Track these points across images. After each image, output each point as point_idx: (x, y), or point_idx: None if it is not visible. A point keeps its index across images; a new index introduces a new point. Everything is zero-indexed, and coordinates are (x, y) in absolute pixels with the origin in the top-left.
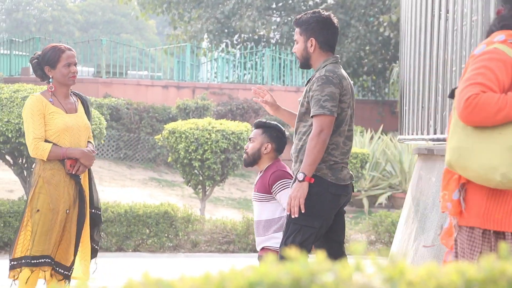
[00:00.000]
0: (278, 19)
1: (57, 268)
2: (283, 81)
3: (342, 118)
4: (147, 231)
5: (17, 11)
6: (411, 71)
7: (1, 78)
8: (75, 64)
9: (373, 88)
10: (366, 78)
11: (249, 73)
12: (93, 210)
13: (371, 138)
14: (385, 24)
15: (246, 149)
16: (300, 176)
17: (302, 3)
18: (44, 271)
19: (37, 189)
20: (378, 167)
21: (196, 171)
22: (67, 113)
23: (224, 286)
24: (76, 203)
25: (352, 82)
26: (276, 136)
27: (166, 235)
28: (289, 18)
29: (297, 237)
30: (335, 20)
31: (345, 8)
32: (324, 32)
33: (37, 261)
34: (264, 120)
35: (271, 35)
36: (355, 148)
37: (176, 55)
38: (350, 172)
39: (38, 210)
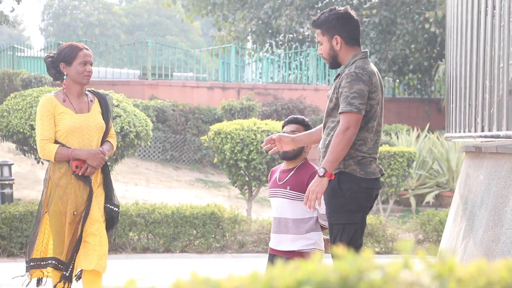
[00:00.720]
0: None
1: (59, 265)
2: (328, 80)
3: (371, 115)
4: (194, 232)
5: (64, 15)
6: (458, 68)
7: (49, 82)
8: (91, 64)
9: (419, 86)
10: (412, 76)
11: (294, 73)
12: (108, 205)
13: (418, 136)
14: (431, 20)
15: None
16: (321, 172)
17: (345, 1)
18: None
19: (48, 191)
20: (425, 165)
21: (242, 171)
22: (77, 113)
23: (272, 285)
24: (86, 205)
25: (380, 76)
26: None
27: (213, 236)
28: None
29: (344, 237)
30: (354, 13)
31: (390, 5)
32: (346, 27)
33: (46, 262)
34: (299, 116)
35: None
36: (402, 147)
37: (221, 56)
38: (379, 166)
39: (46, 212)
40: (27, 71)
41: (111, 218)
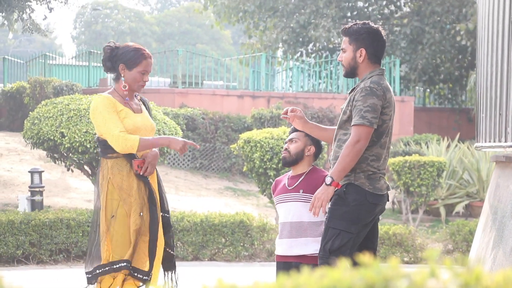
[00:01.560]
0: None
1: (135, 273)
2: None
3: (383, 130)
4: (223, 240)
5: (96, 23)
6: (488, 78)
7: (80, 89)
8: (148, 74)
9: (449, 96)
10: (442, 86)
11: (324, 82)
12: (163, 214)
13: (448, 146)
14: (462, 32)
15: (287, 148)
16: (328, 180)
17: (377, 12)
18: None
19: (109, 194)
20: (455, 175)
21: (271, 180)
22: (134, 113)
23: None
24: (147, 206)
25: (393, 95)
26: (317, 141)
27: (241, 244)
28: None
29: (336, 242)
30: (384, 33)
31: (421, 15)
32: (374, 44)
33: (118, 265)
34: None
35: None
36: (432, 157)
37: (251, 65)
38: (387, 182)
39: (113, 216)
40: (59, 78)
41: (165, 225)
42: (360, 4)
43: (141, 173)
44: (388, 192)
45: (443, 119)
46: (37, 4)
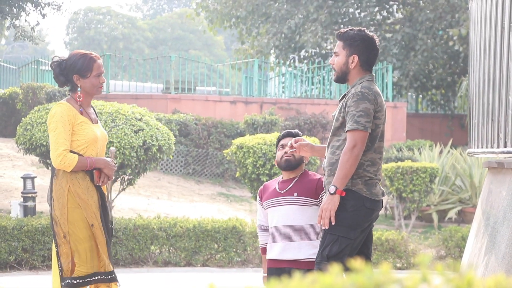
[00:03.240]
0: None
1: (103, 277)
2: None
3: (376, 134)
4: (216, 246)
5: (89, 29)
6: (481, 84)
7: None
8: (103, 74)
9: (442, 102)
10: (435, 92)
11: (316, 88)
12: (109, 225)
13: (440, 152)
14: (454, 38)
15: (290, 153)
16: (332, 189)
17: (368, 18)
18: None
19: (69, 204)
20: (448, 181)
21: None
22: (93, 123)
23: None
24: (99, 215)
25: (384, 99)
26: None
27: (234, 250)
28: None
29: (334, 248)
30: (378, 42)
31: (413, 21)
32: (367, 52)
33: (91, 279)
34: (293, 130)
35: None
36: (424, 163)
37: (244, 71)
38: (382, 188)
39: (92, 225)
40: (51, 84)
41: (110, 234)
42: (351, 10)
43: (99, 184)
44: (383, 198)
45: (436, 125)
46: (30, 9)
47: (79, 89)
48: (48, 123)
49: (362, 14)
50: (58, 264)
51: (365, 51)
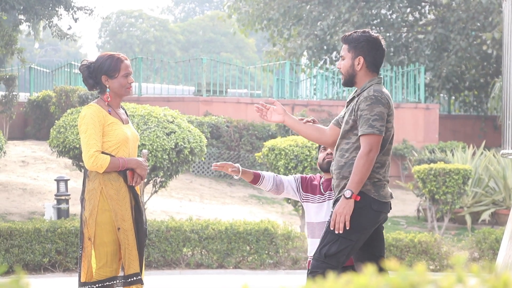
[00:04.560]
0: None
1: (128, 280)
2: None
3: (387, 137)
4: (248, 248)
5: (121, 32)
6: None
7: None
8: (131, 74)
9: (475, 103)
10: (467, 93)
11: (348, 90)
12: (144, 226)
13: (473, 153)
14: (488, 42)
15: (327, 156)
16: (348, 194)
17: (400, 19)
18: None
19: (100, 205)
20: (481, 183)
21: None
22: (123, 124)
23: None
24: (134, 216)
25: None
26: None
27: (266, 252)
28: (388, 34)
29: (333, 247)
30: (384, 42)
31: (445, 22)
32: (373, 52)
33: (109, 283)
34: None
35: None
36: (457, 164)
37: (275, 73)
38: (390, 190)
39: (119, 229)
40: (84, 87)
41: (144, 235)
42: (383, 11)
43: (132, 184)
44: (391, 200)
45: (468, 126)
46: (62, 14)
47: (108, 90)
48: (79, 125)
49: (394, 15)
50: (78, 267)
51: (370, 52)
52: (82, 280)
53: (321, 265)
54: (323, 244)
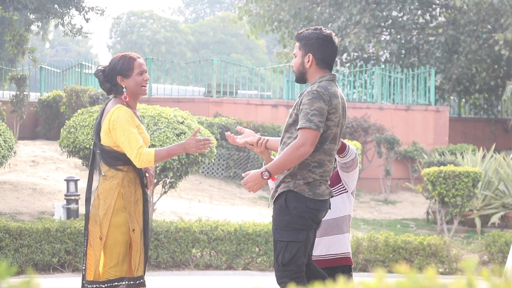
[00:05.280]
0: (388, 37)
1: (131, 282)
2: (393, 99)
3: (326, 136)
4: (257, 249)
5: (131, 32)
6: None
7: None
8: (146, 72)
9: (485, 105)
10: (478, 96)
11: (358, 91)
12: (150, 228)
13: (483, 156)
14: (500, 42)
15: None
16: (266, 175)
17: (411, 21)
18: None
19: (116, 206)
20: (491, 186)
21: None
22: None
23: None
24: (142, 218)
25: (344, 100)
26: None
27: None
28: (399, 36)
29: (286, 254)
30: (336, 39)
31: (456, 25)
32: (322, 49)
33: (118, 283)
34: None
35: (381, 53)
36: (467, 167)
37: (286, 74)
38: (329, 188)
39: (133, 230)
40: (95, 87)
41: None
42: (394, 13)
43: (148, 188)
44: (331, 198)
45: (479, 129)
46: (73, 14)
47: (124, 90)
48: (112, 128)
49: (405, 17)
50: (83, 264)
51: (319, 49)
52: (89, 278)
53: (283, 274)
54: (276, 254)
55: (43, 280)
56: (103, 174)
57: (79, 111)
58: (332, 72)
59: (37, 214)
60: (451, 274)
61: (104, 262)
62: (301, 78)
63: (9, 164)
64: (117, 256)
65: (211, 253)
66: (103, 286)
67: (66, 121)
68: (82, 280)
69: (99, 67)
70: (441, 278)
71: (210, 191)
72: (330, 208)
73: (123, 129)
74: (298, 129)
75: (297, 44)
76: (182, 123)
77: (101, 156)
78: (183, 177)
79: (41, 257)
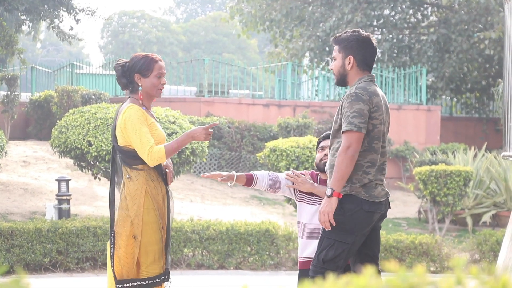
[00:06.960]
0: (380, 36)
1: (165, 277)
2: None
3: (374, 135)
4: (249, 249)
5: (123, 32)
6: None
7: (107, 98)
8: (164, 76)
9: (476, 105)
10: (469, 95)
11: None
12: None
13: (475, 155)
14: (486, 41)
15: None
16: (328, 192)
17: (403, 20)
18: None
19: (146, 205)
20: (482, 185)
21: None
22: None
23: None
24: (166, 215)
25: (385, 99)
26: None
27: (267, 253)
28: (390, 36)
29: (330, 252)
30: (374, 41)
31: (448, 23)
32: (362, 51)
33: (159, 279)
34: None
35: None
36: (458, 166)
37: (277, 74)
38: (386, 189)
39: (162, 227)
40: (86, 87)
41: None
42: (386, 12)
43: (169, 183)
44: (389, 198)
45: (470, 128)
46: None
47: (140, 88)
48: (124, 127)
49: (397, 16)
50: (112, 266)
51: (360, 50)
52: (120, 277)
53: (319, 270)
54: (320, 249)
55: (34, 280)
56: (128, 176)
57: (70, 111)
58: (371, 74)
59: (28, 214)
60: (442, 272)
61: (141, 261)
62: (342, 80)
63: (0, 165)
64: (153, 253)
65: (203, 253)
66: (144, 283)
67: (58, 121)
68: (116, 284)
69: (120, 61)
70: (432, 276)
71: (202, 190)
72: (390, 207)
73: (134, 128)
74: (342, 133)
75: (336, 47)
76: (173, 122)
77: (121, 160)
78: (175, 176)
79: (32, 257)
